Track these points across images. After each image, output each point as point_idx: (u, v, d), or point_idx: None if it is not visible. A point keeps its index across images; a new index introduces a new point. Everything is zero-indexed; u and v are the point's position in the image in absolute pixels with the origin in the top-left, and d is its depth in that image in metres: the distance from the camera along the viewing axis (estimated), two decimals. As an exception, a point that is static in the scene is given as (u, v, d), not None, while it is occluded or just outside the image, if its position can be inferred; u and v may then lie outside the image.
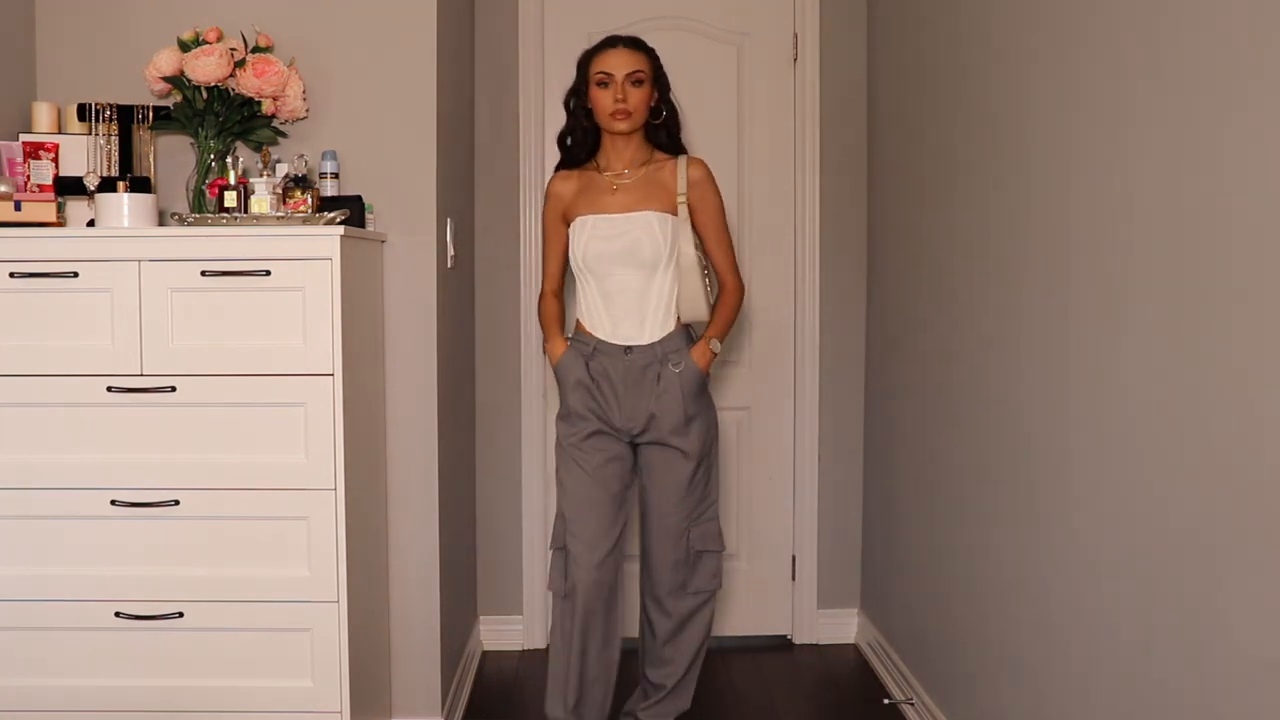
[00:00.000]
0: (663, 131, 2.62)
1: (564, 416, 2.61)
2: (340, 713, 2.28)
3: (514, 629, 3.53)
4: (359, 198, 2.52)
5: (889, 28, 3.23)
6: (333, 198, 2.51)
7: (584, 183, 2.60)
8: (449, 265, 2.87)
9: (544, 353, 2.70)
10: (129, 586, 2.26)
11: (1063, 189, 2.01)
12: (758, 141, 3.46)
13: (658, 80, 2.58)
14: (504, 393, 3.46)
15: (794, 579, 3.55)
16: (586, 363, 2.56)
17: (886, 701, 3.06)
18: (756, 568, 3.55)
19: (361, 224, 2.51)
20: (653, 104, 2.58)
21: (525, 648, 3.51)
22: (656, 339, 2.54)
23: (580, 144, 2.62)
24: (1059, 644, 2.04)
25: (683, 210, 2.55)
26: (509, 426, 3.47)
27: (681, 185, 2.56)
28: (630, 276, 2.53)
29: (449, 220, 2.85)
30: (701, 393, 2.59)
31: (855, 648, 3.53)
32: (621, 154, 2.59)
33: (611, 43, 2.58)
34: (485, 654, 3.48)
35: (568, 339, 2.62)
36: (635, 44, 2.58)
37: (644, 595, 2.71)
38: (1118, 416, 1.80)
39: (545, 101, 3.43)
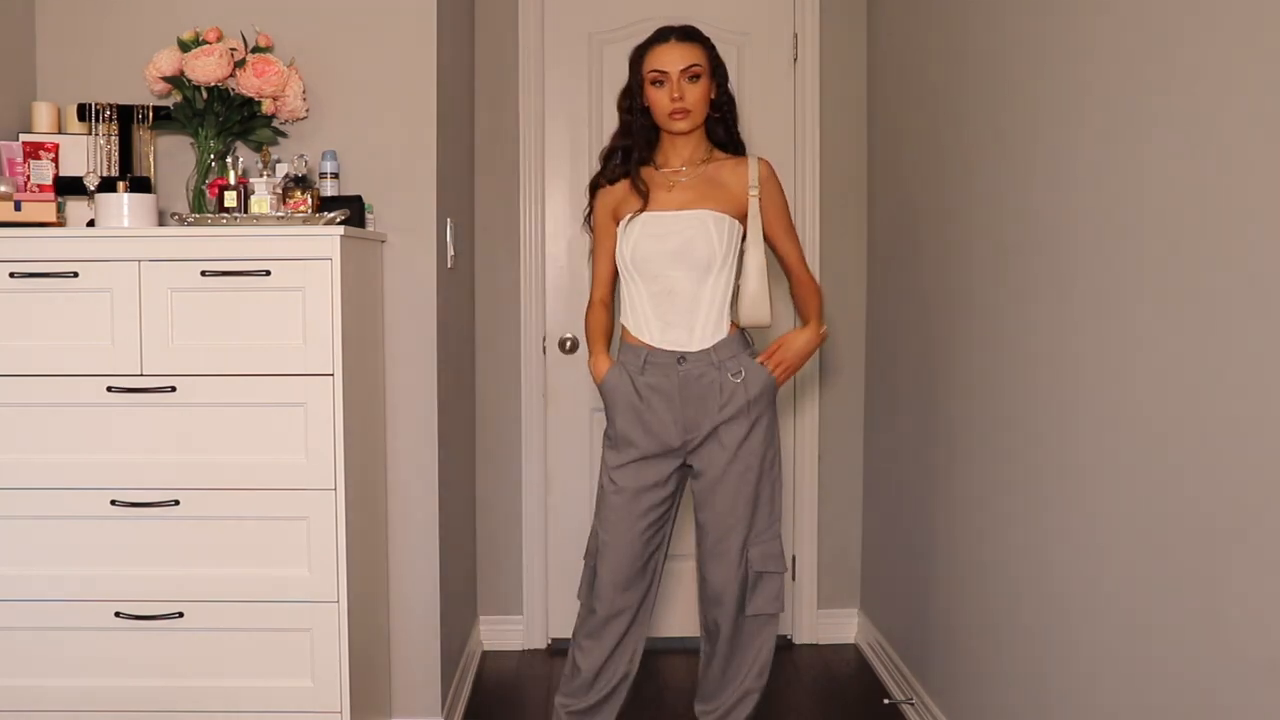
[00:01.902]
0: (720, 126, 2.48)
1: (610, 438, 2.47)
2: (340, 713, 2.28)
3: (514, 629, 3.53)
4: (359, 198, 2.52)
5: (889, 28, 3.23)
6: (333, 198, 2.51)
7: (635, 190, 2.45)
8: (449, 265, 2.87)
9: (588, 367, 2.56)
10: (129, 586, 2.26)
11: (1065, 186, 2.01)
12: (758, 141, 3.44)
13: (715, 71, 2.44)
14: (504, 392, 3.46)
15: (794, 579, 3.55)
16: (634, 379, 2.42)
17: (886, 701, 3.06)
18: (756, 568, 3.55)
19: (361, 224, 2.51)
20: (713, 97, 2.44)
21: (525, 648, 3.51)
22: (708, 345, 2.40)
23: (640, 146, 2.46)
24: (1059, 644, 2.04)
25: (754, 205, 2.41)
26: (509, 426, 3.47)
27: (753, 179, 2.42)
28: (682, 278, 2.39)
29: (449, 220, 2.85)
30: (768, 404, 2.45)
31: (855, 648, 3.53)
32: (680, 150, 2.46)
33: (663, 36, 2.42)
34: (485, 654, 3.48)
35: (613, 359, 2.49)
36: (689, 35, 2.42)
37: (701, 614, 2.58)
38: (1115, 416, 1.80)
39: (545, 101, 3.43)
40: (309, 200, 2.31)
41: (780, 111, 3.45)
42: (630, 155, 2.48)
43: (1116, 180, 1.80)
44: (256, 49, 2.49)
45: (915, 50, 2.97)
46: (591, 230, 2.57)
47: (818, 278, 3.45)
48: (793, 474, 3.52)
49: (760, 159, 2.49)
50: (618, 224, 2.48)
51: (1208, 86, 1.54)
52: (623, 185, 2.48)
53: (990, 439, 2.40)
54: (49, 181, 2.40)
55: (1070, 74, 1.98)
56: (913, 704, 2.94)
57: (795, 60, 3.45)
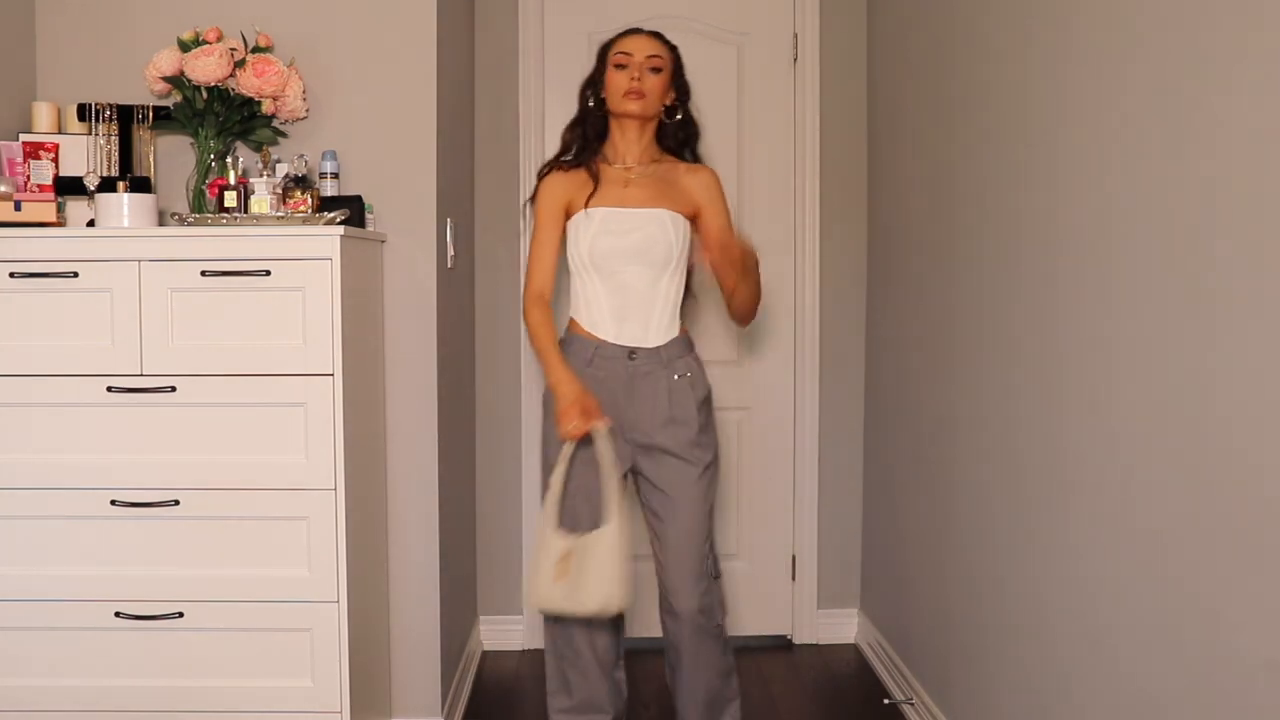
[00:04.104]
0: (678, 135, 2.52)
1: (554, 437, 2.46)
2: (340, 713, 2.28)
3: (514, 629, 3.53)
4: (359, 198, 2.52)
5: (889, 28, 3.23)
6: (333, 198, 2.51)
7: (589, 174, 2.47)
8: (449, 265, 2.87)
9: (547, 384, 2.46)
10: (129, 586, 2.26)
11: (1062, 187, 2.01)
12: (758, 141, 3.46)
13: (677, 78, 2.49)
14: (504, 392, 3.46)
15: (794, 579, 3.55)
16: (580, 372, 2.42)
17: (886, 701, 3.06)
18: (756, 568, 3.55)
19: (361, 224, 2.51)
20: (669, 103, 2.49)
21: (525, 648, 3.51)
22: (662, 342, 2.43)
23: (593, 135, 2.49)
24: (1058, 643, 2.04)
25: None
26: (509, 426, 3.47)
27: (696, 187, 2.47)
28: (639, 275, 2.41)
29: (449, 220, 2.85)
30: (710, 404, 2.49)
31: (855, 648, 3.53)
32: (632, 146, 2.48)
33: (635, 30, 2.52)
34: (485, 654, 3.48)
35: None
36: (659, 35, 2.51)
37: (664, 625, 2.51)
38: (1115, 416, 1.80)
39: (545, 102, 3.43)
40: (309, 200, 2.31)
41: (780, 111, 3.45)
42: (586, 144, 2.50)
43: (1116, 180, 1.80)
44: (256, 49, 2.49)
45: (915, 50, 2.97)
46: (535, 216, 2.51)
47: (817, 278, 3.47)
48: (793, 474, 3.53)
49: (708, 167, 2.54)
50: (568, 217, 2.47)
51: (1207, 86, 1.54)
52: (578, 175, 2.48)
53: (989, 439, 2.40)
54: (49, 181, 2.39)
55: (1069, 73, 1.98)
56: (913, 704, 2.94)
57: (795, 60, 3.45)
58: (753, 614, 3.56)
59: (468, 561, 3.33)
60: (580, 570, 2.33)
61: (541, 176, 2.52)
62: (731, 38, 3.44)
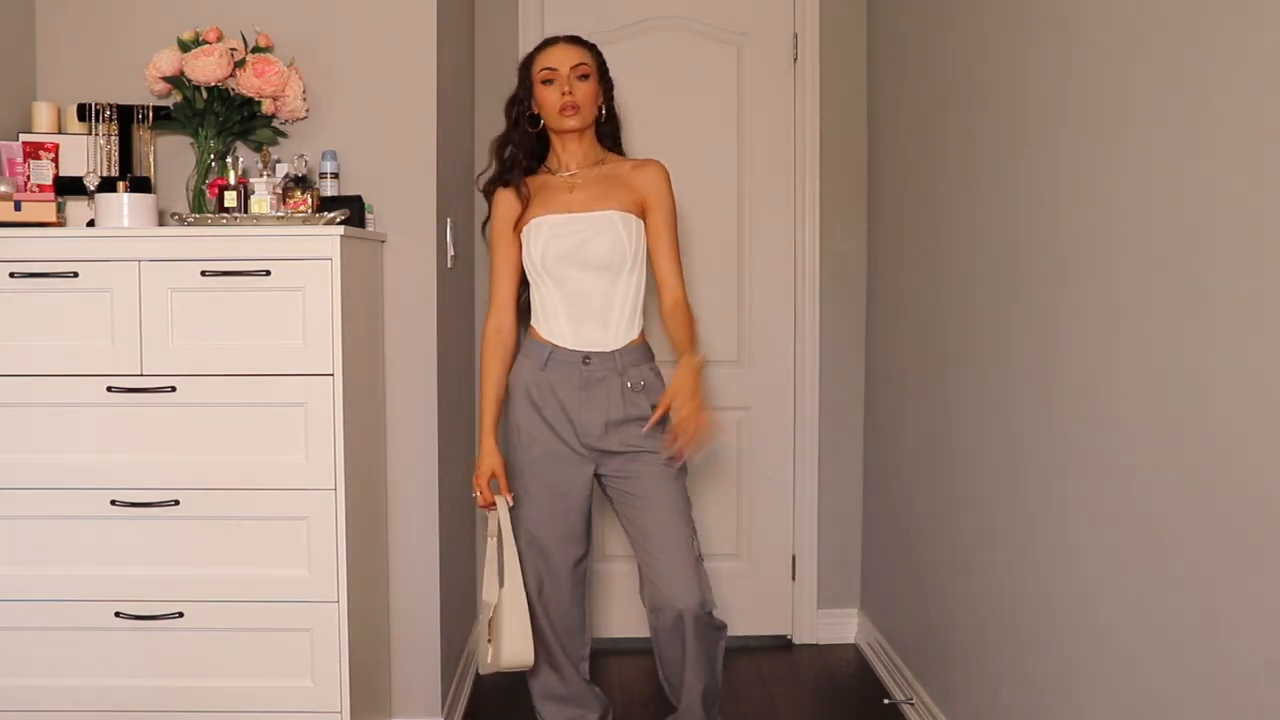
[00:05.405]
0: (602, 130, 2.53)
1: (515, 441, 2.48)
2: (340, 713, 2.28)
3: (514, 629, 3.52)
4: (359, 198, 2.52)
5: (889, 28, 3.23)
6: (333, 198, 2.51)
7: (534, 187, 2.48)
8: (449, 265, 2.87)
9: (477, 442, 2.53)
10: (129, 586, 2.26)
11: (1062, 186, 2.01)
12: (758, 141, 3.46)
13: (603, 79, 2.50)
14: (504, 393, 3.46)
15: (794, 579, 3.55)
16: (535, 373, 2.43)
17: (886, 701, 3.06)
18: (756, 568, 3.55)
19: (361, 224, 2.51)
20: (600, 103, 2.49)
21: (525, 648, 3.51)
22: (620, 345, 2.41)
23: (526, 153, 2.50)
24: (1059, 643, 2.04)
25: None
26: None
27: (642, 182, 2.46)
28: (592, 278, 2.40)
29: (449, 220, 2.85)
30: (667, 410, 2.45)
31: (855, 648, 3.53)
32: (574, 152, 2.48)
33: (552, 40, 2.49)
34: (485, 654, 3.48)
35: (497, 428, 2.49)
36: (577, 40, 2.49)
37: (660, 626, 2.43)
38: (1115, 417, 1.80)
39: (545, 101, 3.43)
40: (309, 200, 2.31)
41: (780, 111, 3.45)
42: (517, 162, 2.49)
43: (1115, 180, 1.80)
44: (256, 49, 2.49)
45: (915, 50, 2.97)
46: (492, 241, 2.53)
47: (817, 278, 3.47)
48: (793, 474, 3.52)
49: (654, 160, 2.52)
50: (518, 233, 2.48)
51: (1207, 86, 1.54)
52: (524, 191, 2.48)
53: (989, 439, 2.40)
54: (49, 181, 2.40)
55: (1069, 73, 1.98)
56: (913, 704, 2.94)
57: (795, 60, 3.45)
58: (753, 614, 3.56)
59: (467, 561, 3.33)
60: (495, 630, 2.46)
61: (488, 195, 2.53)
62: (731, 38, 3.44)
